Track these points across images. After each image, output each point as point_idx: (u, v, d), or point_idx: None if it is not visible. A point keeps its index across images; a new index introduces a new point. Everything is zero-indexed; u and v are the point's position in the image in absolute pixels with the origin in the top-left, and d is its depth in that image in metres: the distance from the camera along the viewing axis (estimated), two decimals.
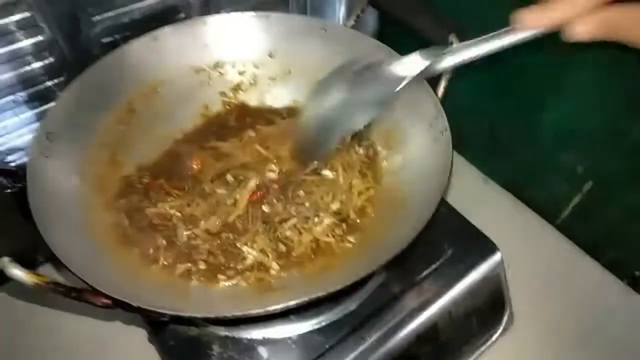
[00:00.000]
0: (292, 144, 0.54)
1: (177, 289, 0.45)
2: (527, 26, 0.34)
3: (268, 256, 0.49)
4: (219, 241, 0.50)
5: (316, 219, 0.52)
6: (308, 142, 0.48)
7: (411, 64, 0.38)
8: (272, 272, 0.49)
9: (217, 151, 0.58)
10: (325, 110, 0.44)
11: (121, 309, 0.37)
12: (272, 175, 0.55)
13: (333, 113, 0.44)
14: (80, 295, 0.37)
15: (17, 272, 0.35)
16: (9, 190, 0.49)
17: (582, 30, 0.31)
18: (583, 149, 0.66)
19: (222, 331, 0.49)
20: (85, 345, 0.59)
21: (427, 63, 0.38)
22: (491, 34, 0.36)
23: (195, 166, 0.57)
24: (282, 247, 0.50)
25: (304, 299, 0.36)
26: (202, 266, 0.48)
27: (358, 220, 0.53)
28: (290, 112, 0.64)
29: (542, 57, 0.62)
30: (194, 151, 0.58)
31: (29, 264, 0.37)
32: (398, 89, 0.38)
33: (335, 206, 0.54)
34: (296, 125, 0.50)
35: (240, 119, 0.63)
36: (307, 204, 0.53)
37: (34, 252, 0.38)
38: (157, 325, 0.47)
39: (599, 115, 0.62)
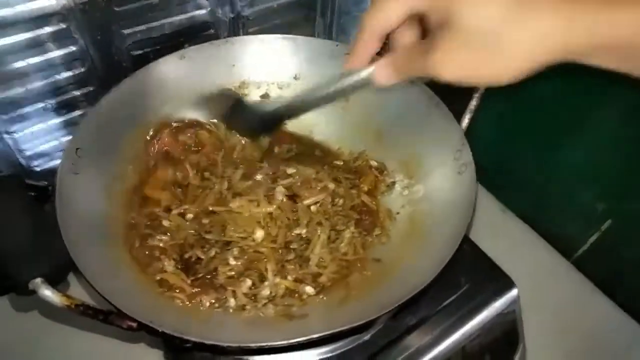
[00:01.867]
0: None
1: (202, 314, 0.46)
2: (348, 67, 0.39)
3: (302, 283, 0.49)
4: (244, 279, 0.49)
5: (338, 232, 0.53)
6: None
7: None
8: (304, 296, 0.49)
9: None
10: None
11: (145, 332, 0.37)
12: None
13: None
14: (106, 318, 0.37)
15: (49, 294, 0.36)
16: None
17: (381, 77, 0.38)
18: (604, 188, 0.65)
19: (237, 354, 0.49)
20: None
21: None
22: (333, 78, 0.41)
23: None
24: (315, 269, 0.51)
25: (327, 332, 0.37)
26: (232, 302, 0.47)
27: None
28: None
29: (565, 94, 0.62)
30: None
31: (60, 281, 0.37)
32: None
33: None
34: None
35: None
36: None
37: (65, 270, 0.38)
38: (175, 349, 0.47)
39: (620, 154, 0.61)
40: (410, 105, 0.58)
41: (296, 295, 0.49)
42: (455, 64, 0.32)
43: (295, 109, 0.46)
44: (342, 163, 0.62)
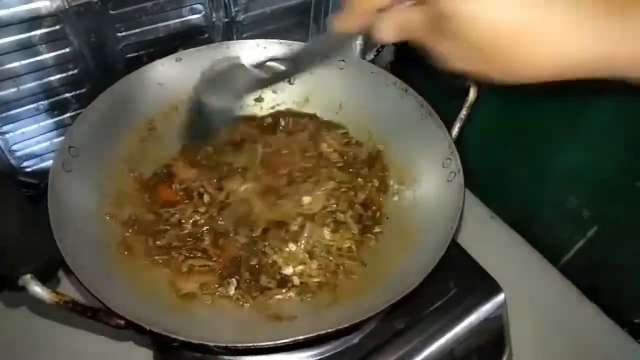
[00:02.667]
0: None
1: (190, 314, 0.46)
2: (338, 28, 0.36)
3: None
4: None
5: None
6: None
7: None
8: (289, 284, 0.50)
9: None
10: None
11: (133, 330, 0.37)
12: None
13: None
14: (95, 315, 0.38)
15: (38, 290, 0.36)
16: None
17: (382, 34, 0.34)
18: (590, 194, 0.66)
19: (225, 355, 0.49)
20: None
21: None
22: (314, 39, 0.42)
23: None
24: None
25: (313, 334, 0.37)
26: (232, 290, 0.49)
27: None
28: None
29: (556, 102, 0.63)
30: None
31: (50, 278, 0.37)
32: None
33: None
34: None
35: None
36: None
37: (55, 267, 0.39)
38: (163, 347, 0.47)
39: (607, 161, 0.62)
40: (403, 113, 0.59)
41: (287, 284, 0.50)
42: (464, 56, 0.29)
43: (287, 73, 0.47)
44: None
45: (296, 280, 0.50)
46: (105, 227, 0.49)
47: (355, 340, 0.51)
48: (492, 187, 0.78)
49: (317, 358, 0.50)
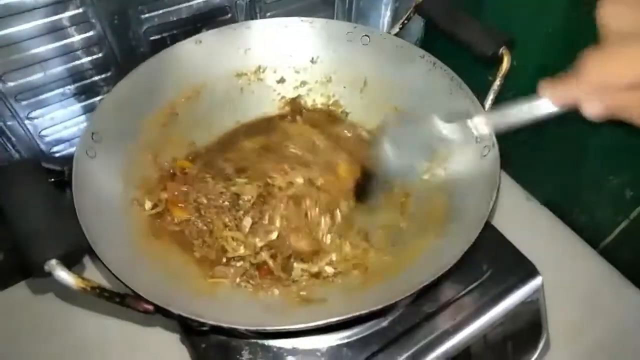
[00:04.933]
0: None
1: (219, 297, 0.45)
2: (547, 97, 0.37)
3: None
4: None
5: None
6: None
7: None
8: (324, 275, 0.49)
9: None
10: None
11: (161, 314, 0.37)
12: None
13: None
14: (123, 301, 0.37)
15: (65, 276, 0.36)
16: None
17: (591, 111, 0.35)
18: (633, 173, 0.63)
19: (253, 338, 0.49)
20: (116, 343, 0.60)
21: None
22: (522, 102, 0.40)
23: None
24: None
25: (345, 316, 0.36)
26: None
27: None
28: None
29: None
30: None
31: (75, 264, 0.37)
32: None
33: None
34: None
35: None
36: None
37: (80, 253, 0.38)
38: (191, 331, 0.47)
39: None
40: (432, 87, 0.56)
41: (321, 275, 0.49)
42: None
43: None
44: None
45: (330, 270, 0.50)
46: (131, 213, 0.49)
47: (385, 323, 0.50)
48: (527, 167, 0.75)
49: (346, 341, 0.50)
